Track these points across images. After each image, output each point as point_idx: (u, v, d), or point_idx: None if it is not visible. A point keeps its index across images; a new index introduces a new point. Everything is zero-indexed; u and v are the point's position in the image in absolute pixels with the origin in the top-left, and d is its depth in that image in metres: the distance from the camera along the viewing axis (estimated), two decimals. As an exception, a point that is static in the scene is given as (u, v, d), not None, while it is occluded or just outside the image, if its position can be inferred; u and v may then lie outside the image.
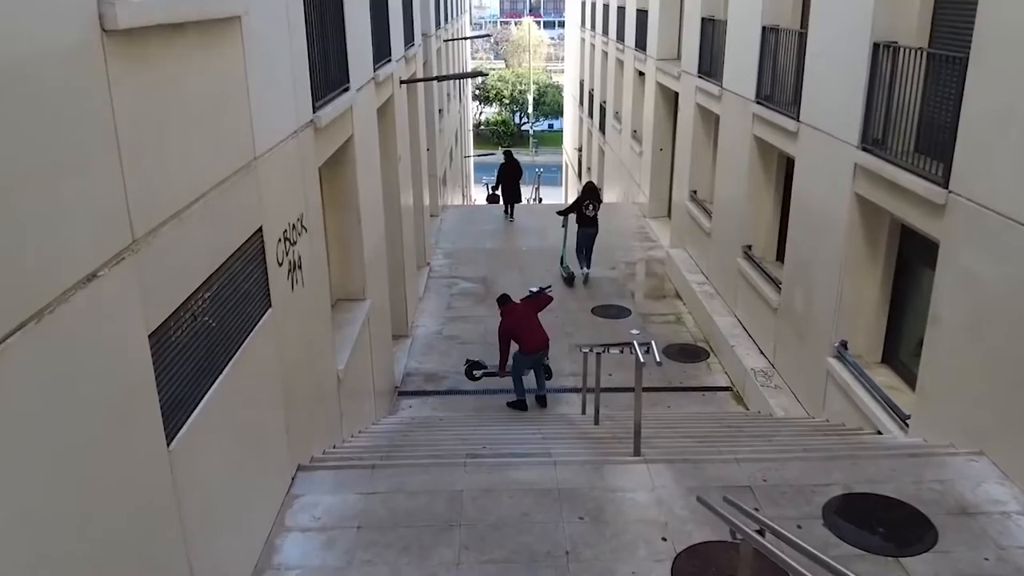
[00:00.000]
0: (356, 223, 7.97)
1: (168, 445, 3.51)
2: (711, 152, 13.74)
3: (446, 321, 12.65)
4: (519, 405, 9.90)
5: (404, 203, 11.83)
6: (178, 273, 3.66)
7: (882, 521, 5.09)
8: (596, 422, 7.93)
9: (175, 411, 3.61)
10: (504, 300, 10.08)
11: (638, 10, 18.96)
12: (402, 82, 11.43)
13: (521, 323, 9.64)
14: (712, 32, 12.90)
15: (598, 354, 7.86)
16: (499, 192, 20.27)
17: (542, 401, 10.10)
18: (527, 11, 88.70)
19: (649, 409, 10.11)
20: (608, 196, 23.77)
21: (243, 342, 4.49)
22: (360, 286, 8.25)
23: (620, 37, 21.32)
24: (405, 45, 12.21)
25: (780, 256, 10.91)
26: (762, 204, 10.97)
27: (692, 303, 12.90)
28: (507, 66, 65.55)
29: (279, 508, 5.10)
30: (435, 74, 17.81)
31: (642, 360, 5.51)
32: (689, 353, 11.45)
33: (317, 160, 6.40)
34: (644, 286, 14.43)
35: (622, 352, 6.94)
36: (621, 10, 21.30)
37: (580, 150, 31.06)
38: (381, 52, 9.90)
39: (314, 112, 6.22)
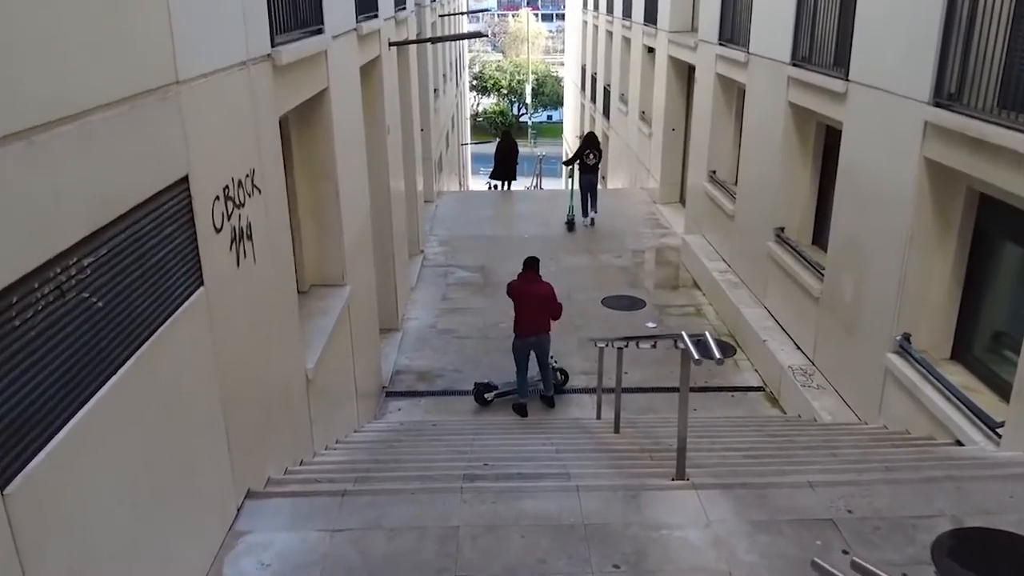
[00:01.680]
0: (333, 195, 6.73)
1: (1, 489, 2.27)
2: (733, 127, 12.50)
3: (441, 313, 11.41)
4: (520, 410, 8.65)
5: (394, 181, 10.58)
6: (27, 224, 2.41)
7: (1013, 568, 3.87)
8: (616, 430, 6.71)
9: (18, 435, 2.36)
10: (530, 264, 8.58)
11: (647, -19, 17.73)
12: (391, 44, 10.17)
13: (522, 299, 8.37)
14: (735, -7, 11.68)
15: (619, 349, 6.63)
16: (494, 176, 20.03)
17: (548, 402, 8.90)
18: (525, 3, 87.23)
19: (672, 413, 8.89)
20: (613, 182, 22.55)
21: (155, 331, 3.25)
22: (339, 270, 7.00)
23: (627, 13, 20.05)
24: (396, 6, 10.95)
25: (817, 239, 9.69)
26: (797, 180, 9.73)
27: (713, 293, 11.67)
28: (505, 58, 64.19)
29: (216, 552, 3.85)
30: (428, 45, 16.56)
31: (696, 356, 4.28)
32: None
33: (278, 107, 5.16)
34: (658, 275, 13.19)
35: (654, 346, 5.73)
36: (628, -16, 20.05)
37: (581, 138, 29.78)
38: (367, 4, 8.65)
39: (272, 46, 4.97)
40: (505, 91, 55.93)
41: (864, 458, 5.36)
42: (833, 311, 8.26)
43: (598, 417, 7.97)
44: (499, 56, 66.92)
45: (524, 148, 45.32)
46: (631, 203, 17.40)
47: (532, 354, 8.57)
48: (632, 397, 8.74)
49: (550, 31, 79.82)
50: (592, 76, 27.39)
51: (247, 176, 4.40)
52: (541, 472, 4.73)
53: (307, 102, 6.45)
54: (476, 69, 55.87)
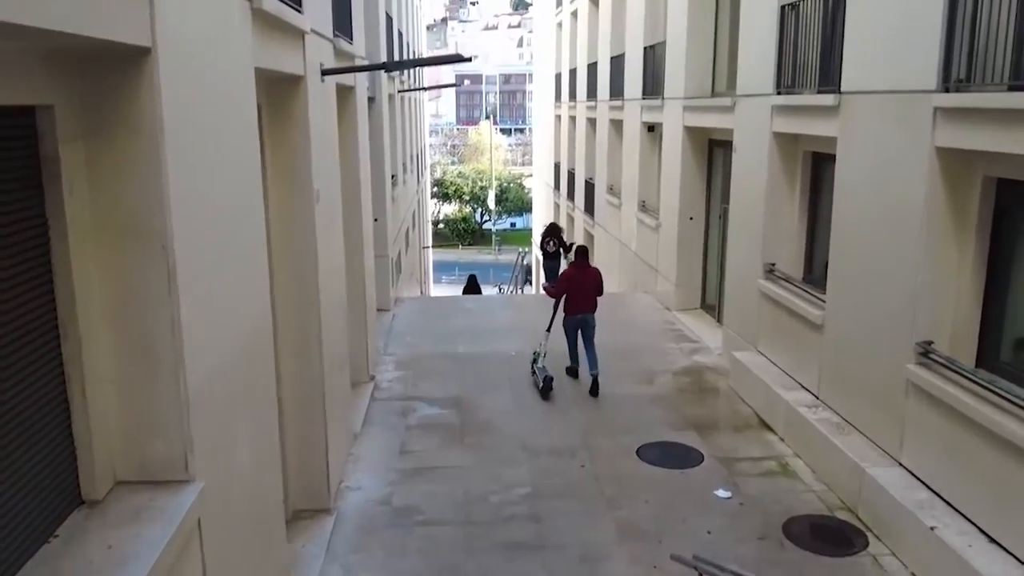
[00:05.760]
0: (158, 265, 3.00)
1: None
2: (798, 204, 9.21)
3: (399, 478, 7.46)
4: (572, 372, 10.09)
5: (327, 274, 6.90)
6: None
7: None
8: None
9: None
10: (582, 252, 10.19)
11: (645, 48, 14.93)
12: (324, 72, 6.71)
13: (578, 284, 9.68)
14: (794, 21, 8.64)
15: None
16: None
17: (595, 388, 9.54)
18: (484, 117, 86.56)
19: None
20: (607, 286, 19.16)
21: None
22: (175, 448, 3.19)
23: (616, 92, 17.22)
24: (336, 29, 7.59)
25: (983, 356, 6.19)
26: (950, 265, 6.30)
27: (800, 439, 7.96)
28: (465, 166, 62.20)
29: None
30: (385, 118, 13.25)
31: None
32: (830, 535, 6.45)
33: None
34: (706, 410, 9.35)
35: None
36: (617, 60, 17.31)
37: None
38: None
39: None
40: (467, 198, 53.48)
41: None
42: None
43: None
44: (459, 167, 65.04)
45: (488, 256, 42.58)
46: (639, 310, 13.87)
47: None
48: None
49: (510, 144, 79.06)
50: (569, 172, 24.53)
51: None
52: None
53: (103, 56, 2.85)
54: (437, 174, 53.46)
